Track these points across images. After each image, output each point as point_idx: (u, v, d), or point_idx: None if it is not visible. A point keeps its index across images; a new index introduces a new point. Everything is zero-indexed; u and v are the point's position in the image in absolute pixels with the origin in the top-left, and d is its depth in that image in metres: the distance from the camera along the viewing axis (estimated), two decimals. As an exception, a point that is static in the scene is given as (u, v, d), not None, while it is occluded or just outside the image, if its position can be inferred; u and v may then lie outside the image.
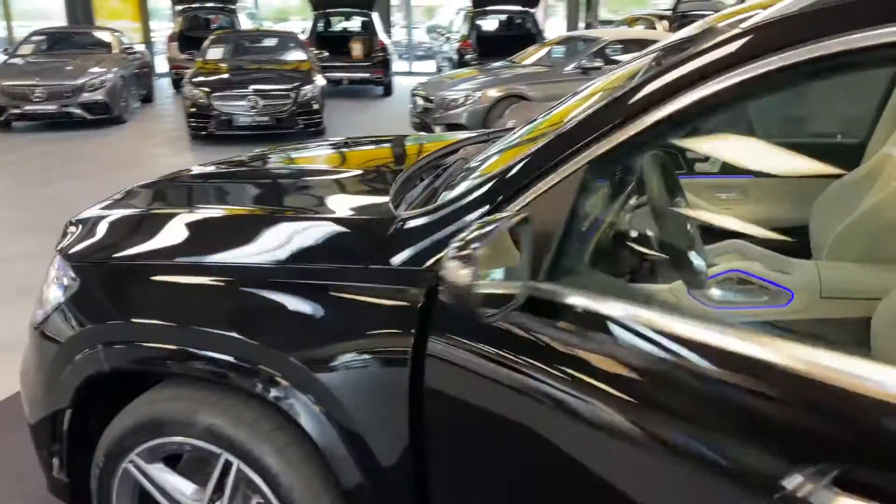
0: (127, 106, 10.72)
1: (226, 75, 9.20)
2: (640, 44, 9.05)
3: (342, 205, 1.94)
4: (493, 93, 8.16)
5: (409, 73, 18.34)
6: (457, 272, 1.18)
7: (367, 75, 13.50)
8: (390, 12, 16.81)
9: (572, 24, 16.01)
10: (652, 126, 1.27)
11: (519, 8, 13.34)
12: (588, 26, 16.48)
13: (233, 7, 14.58)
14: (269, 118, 8.82)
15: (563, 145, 1.36)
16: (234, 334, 1.56)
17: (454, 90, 8.35)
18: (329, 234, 1.65)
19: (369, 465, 1.51)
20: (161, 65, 15.83)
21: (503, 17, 14.24)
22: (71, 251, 1.87)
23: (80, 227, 2.03)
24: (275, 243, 1.68)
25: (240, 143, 8.85)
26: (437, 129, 8.37)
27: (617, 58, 8.73)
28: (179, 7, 14.49)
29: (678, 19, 12.24)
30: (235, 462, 1.64)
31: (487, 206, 1.42)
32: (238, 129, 8.83)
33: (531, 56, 9.82)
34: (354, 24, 15.44)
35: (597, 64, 8.39)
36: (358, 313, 1.50)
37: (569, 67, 8.48)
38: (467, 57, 12.37)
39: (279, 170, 2.51)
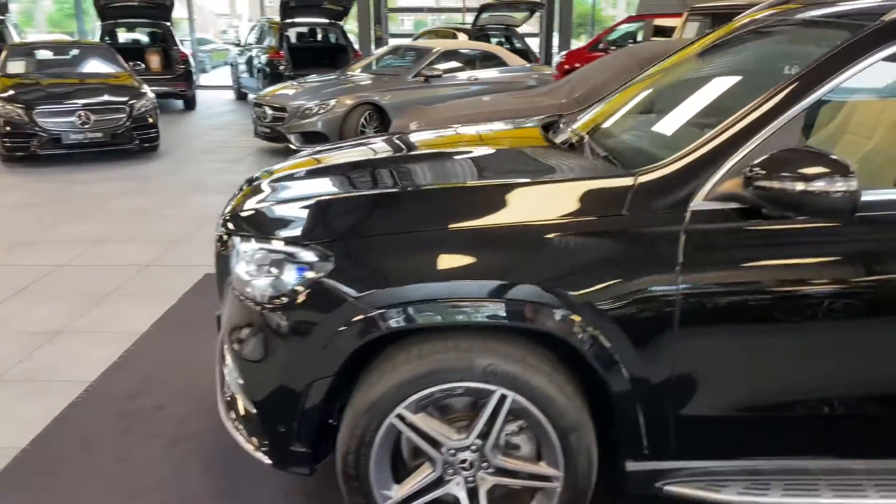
0: None
1: (44, 90, 8.39)
2: (463, 55, 9.86)
3: (572, 170, 2.31)
4: (348, 101, 8.42)
5: (199, 87, 17.62)
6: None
7: (169, 89, 12.85)
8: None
9: (364, 38, 16.51)
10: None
11: (327, 20, 13.56)
12: (379, 39, 17.15)
13: (1, 17, 13.03)
14: (102, 134, 8.22)
15: (785, 98, 1.87)
16: (521, 283, 1.85)
17: (306, 100, 8.47)
18: (580, 192, 1.99)
19: (638, 375, 1.89)
20: None
21: (312, 28, 14.36)
22: (311, 234, 2.00)
23: (283, 214, 2.17)
24: (531, 204, 1.98)
25: (68, 162, 8.16)
26: (292, 137, 8.44)
27: (444, 66, 9.35)
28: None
29: (477, 32, 13.36)
30: (510, 395, 1.92)
31: (725, 156, 1.87)
32: (67, 148, 8.13)
33: (359, 66, 10.21)
34: (144, 35, 14.59)
35: (436, 72, 9.00)
36: (626, 250, 1.88)
37: (411, 76, 8.98)
38: (281, 68, 12.35)
39: (456, 147, 2.82)
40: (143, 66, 12.87)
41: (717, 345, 1.90)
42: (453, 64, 9.44)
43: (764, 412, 1.98)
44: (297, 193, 2.33)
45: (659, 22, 13.57)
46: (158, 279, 4.58)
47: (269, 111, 8.66)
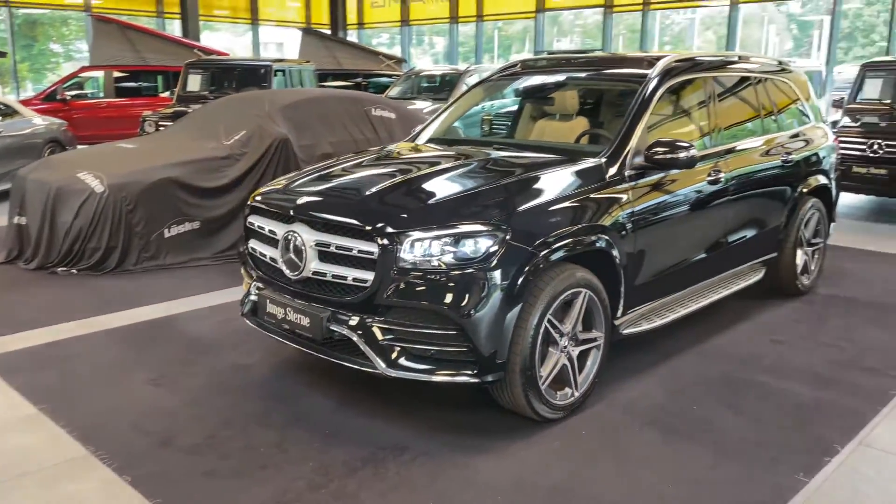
0: None
1: None
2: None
3: (565, 161, 3.64)
4: None
5: None
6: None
7: None
8: None
9: None
10: None
11: None
12: None
13: None
14: None
15: (637, 117, 3.76)
16: (582, 224, 3.29)
17: None
18: (580, 172, 3.47)
19: (625, 263, 3.53)
20: None
21: None
22: (490, 215, 3.05)
23: (451, 207, 3.17)
24: (580, 179, 3.44)
25: None
26: None
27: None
28: None
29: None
30: (588, 293, 3.34)
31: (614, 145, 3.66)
32: None
33: None
34: None
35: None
36: (610, 201, 3.49)
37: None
38: None
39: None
40: None
41: (647, 236, 3.67)
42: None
43: (667, 270, 3.86)
44: (444, 191, 3.32)
45: (118, 74, 13.96)
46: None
47: None
